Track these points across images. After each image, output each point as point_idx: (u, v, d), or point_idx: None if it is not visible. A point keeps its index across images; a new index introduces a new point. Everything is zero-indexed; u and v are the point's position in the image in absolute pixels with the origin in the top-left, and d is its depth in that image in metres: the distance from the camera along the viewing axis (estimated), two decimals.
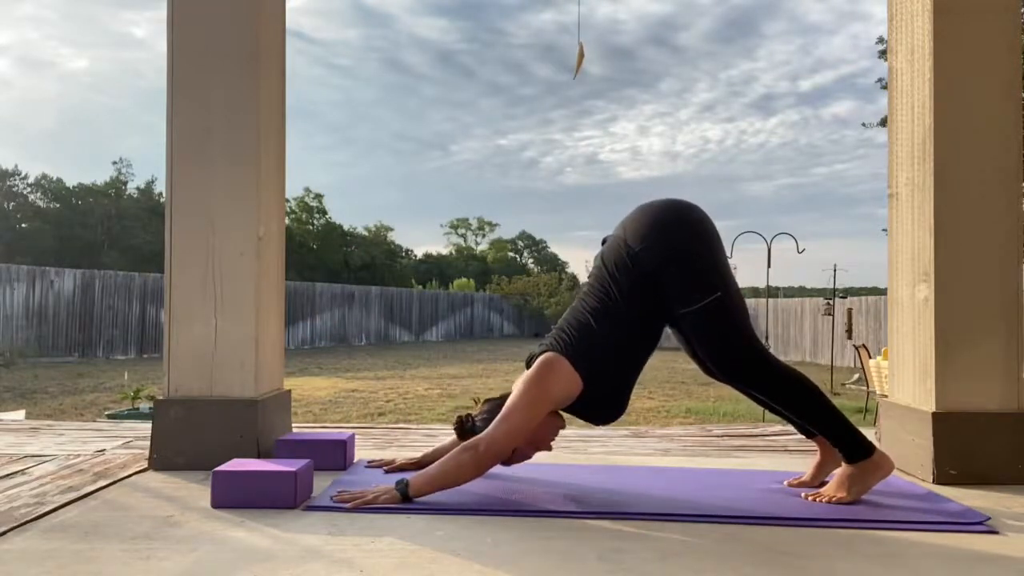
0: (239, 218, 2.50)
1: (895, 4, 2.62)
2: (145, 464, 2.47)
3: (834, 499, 2.05)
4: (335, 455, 2.45)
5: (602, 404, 2.15)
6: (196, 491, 2.15)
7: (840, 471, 2.11)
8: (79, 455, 2.67)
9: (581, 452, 2.84)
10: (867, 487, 2.07)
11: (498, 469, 2.30)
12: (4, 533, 1.77)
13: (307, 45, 69.17)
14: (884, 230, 3.03)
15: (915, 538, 1.79)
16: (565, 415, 2.21)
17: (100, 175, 47.65)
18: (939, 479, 2.30)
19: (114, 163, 38.97)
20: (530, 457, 2.22)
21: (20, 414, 7.06)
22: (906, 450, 2.45)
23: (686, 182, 78.33)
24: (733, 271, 2.19)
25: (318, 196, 35.84)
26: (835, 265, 13.76)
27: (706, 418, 8.32)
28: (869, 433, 2.26)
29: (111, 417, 6.47)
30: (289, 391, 2.80)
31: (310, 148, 76.31)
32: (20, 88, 55.03)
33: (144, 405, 6.81)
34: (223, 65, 2.50)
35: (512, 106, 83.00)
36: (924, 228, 2.42)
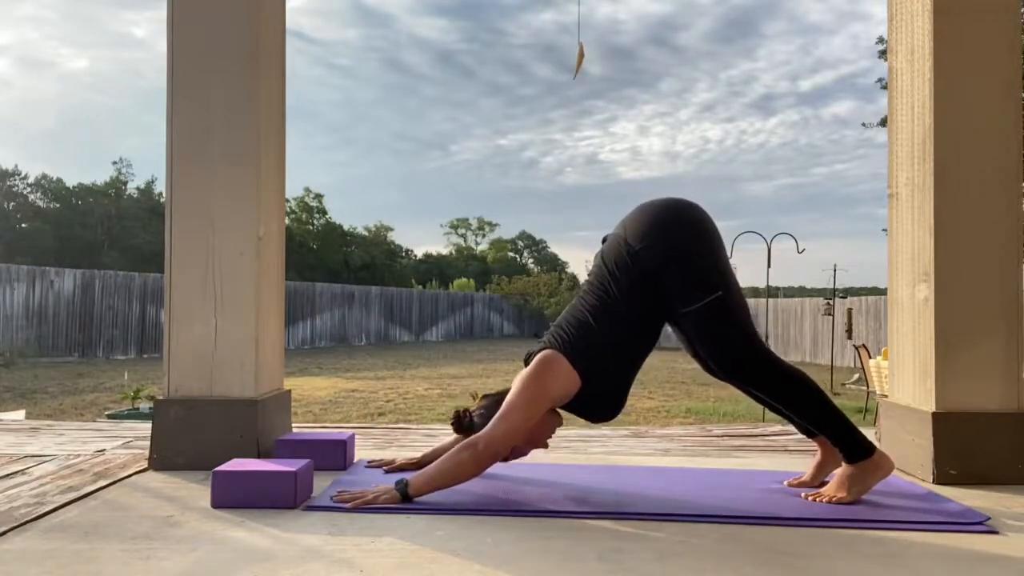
0: (239, 218, 2.50)
1: (895, 4, 2.62)
2: (145, 464, 2.47)
3: (834, 499, 2.05)
4: (335, 455, 2.45)
5: (600, 402, 2.15)
6: (196, 491, 2.15)
7: (840, 471, 2.12)
8: (79, 455, 2.67)
9: (581, 452, 2.84)
10: (867, 487, 2.07)
11: (498, 469, 2.30)
12: (4, 533, 1.77)
13: (307, 45, 69.23)
14: (884, 230, 3.03)
15: (915, 538, 1.79)
16: (565, 414, 2.21)
17: (100, 175, 47.69)
18: (939, 479, 2.30)
19: (114, 163, 39.00)
20: (526, 454, 2.22)
21: (20, 414, 7.06)
22: (906, 450, 2.45)
23: (686, 182, 78.41)
24: (733, 270, 2.19)
25: (318, 196, 35.86)
26: (835, 265, 13.77)
27: (706, 418, 8.32)
28: (869, 433, 2.26)
29: (111, 417, 6.47)
30: (289, 391, 2.80)
31: (310, 148, 76.38)
32: (20, 88, 55.07)
33: (144, 405, 6.81)
34: (223, 65, 2.50)
35: (512, 106, 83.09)
36: (924, 228, 2.42)
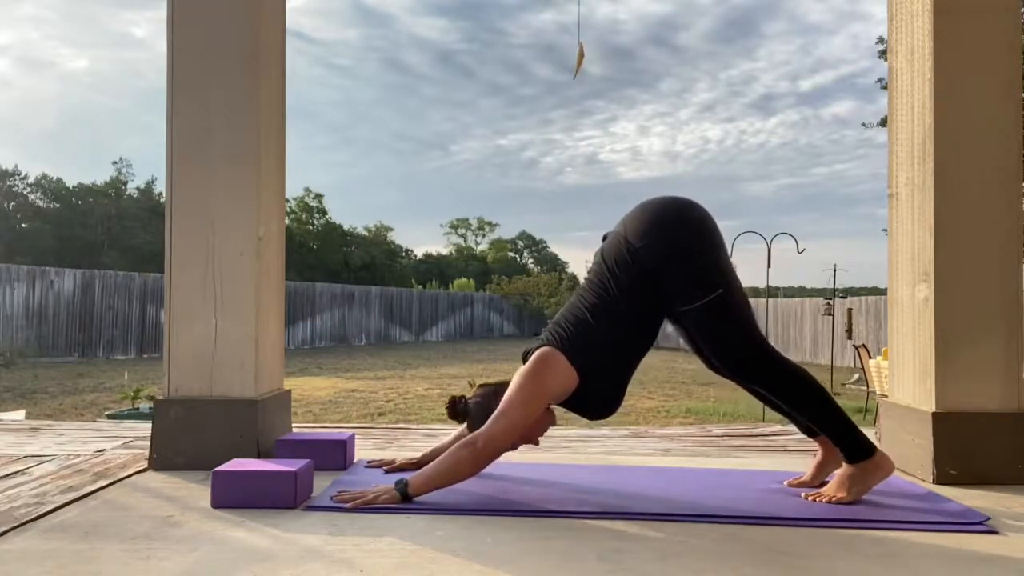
0: (239, 218, 2.50)
1: (895, 4, 2.62)
2: (145, 464, 2.47)
3: (834, 499, 2.05)
4: (335, 455, 2.45)
5: (598, 399, 2.15)
6: (196, 491, 2.15)
7: (841, 471, 2.11)
8: (79, 455, 2.67)
9: (581, 452, 2.84)
10: (867, 487, 2.07)
11: (497, 469, 2.30)
12: (4, 533, 1.77)
13: (307, 45, 69.21)
14: (884, 230, 3.03)
15: (915, 538, 1.79)
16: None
17: (100, 175, 47.65)
18: (939, 479, 2.30)
19: (114, 163, 38.96)
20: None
21: (20, 414, 7.06)
22: (906, 450, 2.45)
23: (686, 182, 78.34)
24: (735, 269, 2.19)
25: (318, 196, 35.85)
26: (835, 265, 13.77)
27: (706, 418, 8.32)
28: (869, 433, 2.26)
29: (111, 417, 6.47)
30: (289, 391, 2.80)
31: (310, 148, 76.34)
32: (20, 88, 55.04)
33: (144, 405, 6.81)
34: (223, 65, 2.50)
35: (512, 106, 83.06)
36: (924, 228, 2.42)
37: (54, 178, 32.33)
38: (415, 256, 45.81)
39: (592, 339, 2.09)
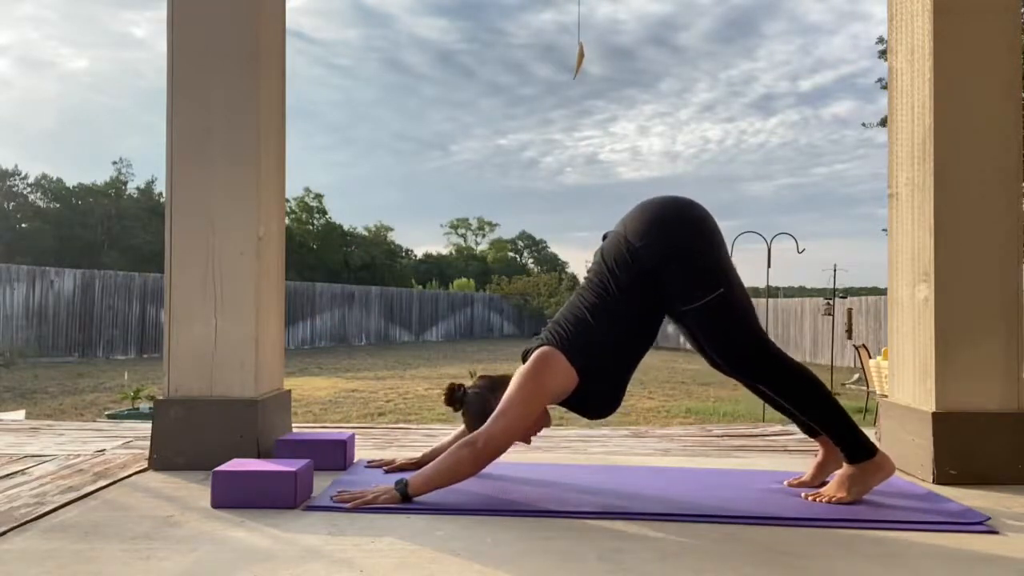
0: (239, 218, 2.50)
1: (895, 4, 2.62)
2: (145, 464, 2.47)
3: (834, 499, 2.05)
4: (335, 455, 2.45)
5: (597, 399, 2.14)
6: (196, 491, 2.15)
7: (841, 471, 2.11)
8: (79, 455, 2.67)
9: (581, 452, 2.84)
10: (868, 488, 2.07)
11: (498, 469, 2.30)
12: (4, 533, 1.77)
13: (307, 45, 69.21)
14: (884, 230, 3.03)
15: (915, 538, 1.79)
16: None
17: (100, 175, 47.66)
18: (939, 479, 2.30)
19: (114, 163, 38.97)
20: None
21: (20, 414, 7.06)
22: (906, 450, 2.45)
23: (686, 182, 78.32)
24: (735, 267, 2.18)
25: (318, 196, 35.85)
26: (835, 265, 13.74)
27: (706, 418, 8.32)
28: (869, 433, 2.26)
29: (111, 417, 6.47)
30: (289, 391, 2.80)
31: (310, 148, 76.36)
32: (20, 88, 55.06)
33: (144, 405, 6.81)
34: (223, 65, 2.50)
35: (512, 106, 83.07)
36: (924, 228, 2.42)
37: (54, 178, 32.36)
38: (415, 256, 45.82)
39: (592, 339, 2.09)
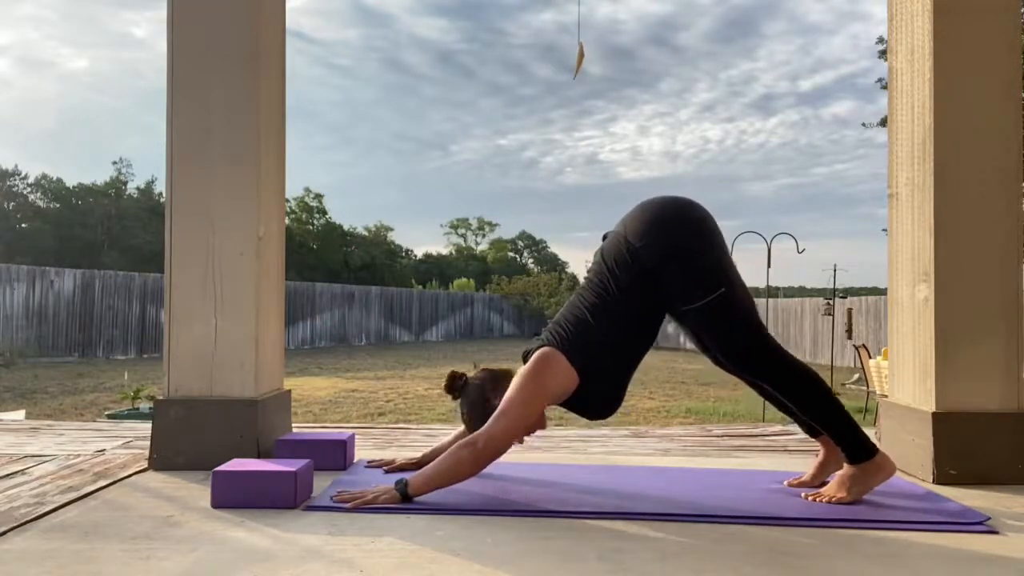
0: (239, 218, 2.50)
1: (895, 4, 2.62)
2: (145, 464, 2.47)
3: (834, 499, 2.05)
4: (335, 455, 2.45)
5: (598, 400, 2.15)
6: (196, 491, 2.15)
7: (842, 471, 2.11)
8: (79, 455, 2.67)
9: (581, 452, 2.84)
10: (868, 488, 2.07)
11: (498, 469, 2.30)
12: (4, 533, 1.77)
13: (307, 45, 69.20)
14: (884, 230, 3.03)
15: (915, 538, 1.79)
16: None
17: (100, 175, 47.66)
18: (939, 479, 2.30)
19: (114, 163, 38.96)
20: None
21: (20, 414, 7.05)
22: (906, 450, 2.45)
23: (686, 182, 78.29)
24: (736, 266, 2.18)
25: (318, 196, 35.85)
26: (835, 265, 13.72)
27: (706, 418, 8.32)
28: (869, 433, 2.26)
29: (111, 417, 6.47)
30: (289, 391, 2.80)
31: (310, 148, 76.35)
32: (20, 88, 55.03)
33: (144, 405, 6.81)
34: (223, 65, 2.50)
35: (512, 106, 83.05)
36: (924, 228, 2.42)
37: (54, 178, 32.35)
38: (415, 256, 45.82)
39: (592, 339, 2.09)
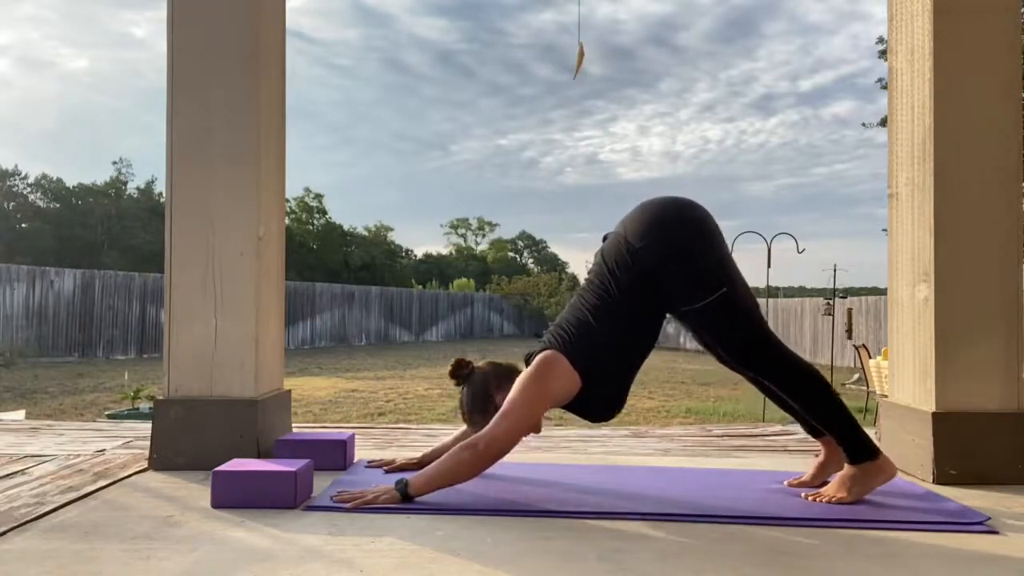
0: (239, 218, 2.50)
1: (895, 4, 2.62)
2: (145, 464, 2.47)
3: (834, 499, 2.05)
4: (335, 455, 2.45)
5: (600, 402, 2.15)
6: (196, 491, 2.15)
7: (842, 472, 2.11)
8: (79, 455, 2.67)
9: (581, 452, 2.84)
10: (868, 489, 2.07)
11: (498, 469, 2.30)
12: (4, 533, 1.77)
13: (307, 45, 69.17)
14: (884, 230, 3.03)
15: (915, 538, 1.79)
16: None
17: (100, 175, 47.62)
18: (939, 479, 2.30)
19: (114, 163, 38.93)
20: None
21: (20, 414, 7.06)
22: (906, 450, 2.45)
23: (686, 182, 78.24)
24: (736, 265, 2.18)
25: (318, 196, 35.83)
26: (835, 265, 13.72)
27: (706, 418, 8.32)
28: (869, 433, 2.26)
29: (111, 417, 6.47)
30: (289, 391, 2.80)
31: (310, 148, 76.30)
32: (20, 88, 55.01)
33: (144, 405, 6.81)
34: (223, 65, 2.50)
35: (512, 106, 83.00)
36: (924, 228, 2.42)
37: (54, 178, 32.35)
38: (415, 256, 45.81)
39: (594, 341, 2.09)
